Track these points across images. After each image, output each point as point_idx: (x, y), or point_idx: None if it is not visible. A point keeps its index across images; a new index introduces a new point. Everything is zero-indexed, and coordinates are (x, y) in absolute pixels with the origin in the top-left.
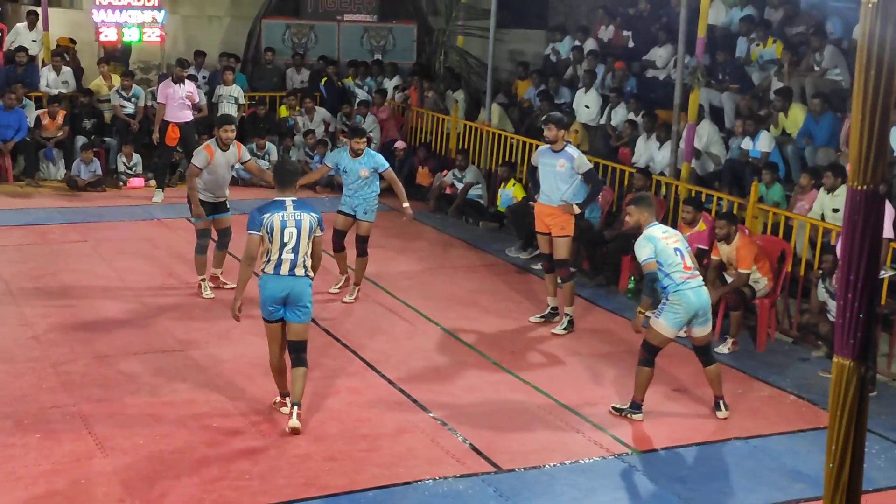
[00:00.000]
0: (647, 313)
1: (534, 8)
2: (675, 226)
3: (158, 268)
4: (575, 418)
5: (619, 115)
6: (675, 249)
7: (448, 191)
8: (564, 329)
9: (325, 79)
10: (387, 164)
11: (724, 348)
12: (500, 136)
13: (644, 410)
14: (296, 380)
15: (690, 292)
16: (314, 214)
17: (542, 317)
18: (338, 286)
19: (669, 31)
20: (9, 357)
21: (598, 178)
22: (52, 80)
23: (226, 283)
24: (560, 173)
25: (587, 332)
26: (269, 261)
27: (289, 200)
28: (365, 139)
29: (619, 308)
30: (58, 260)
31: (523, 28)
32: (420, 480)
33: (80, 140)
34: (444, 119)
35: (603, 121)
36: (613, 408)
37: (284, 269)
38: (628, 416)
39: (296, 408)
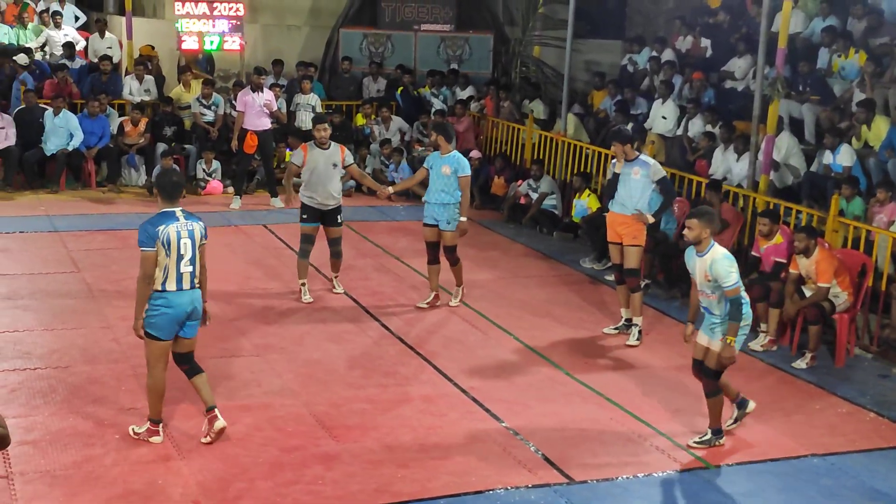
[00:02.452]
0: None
1: (611, 18)
2: (752, 239)
3: (235, 274)
4: (648, 430)
5: (697, 126)
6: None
7: (522, 201)
8: (637, 340)
9: (402, 88)
10: (468, 171)
11: (802, 363)
12: (575, 146)
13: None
14: (203, 386)
15: (751, 313)
16: (201, 223)
17: (615, 328)
18: (426, 301)
19: (749, 42)
20: (90, 358)
21: (672, 186)
22: (134, 89)
23: (336, 288)
24: (635, 181)
25: (661, 344)
26: (167, 277)
27: (178, 211)
28: (445, 136)
29: None
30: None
31: (599, 38)
32: (491, 490)
33: (161, 147)
34: (519, 129)
35: (680, 132)
36: (695, 443)
37: (186, 283)
38: (715, 444)
39: (216, 410)
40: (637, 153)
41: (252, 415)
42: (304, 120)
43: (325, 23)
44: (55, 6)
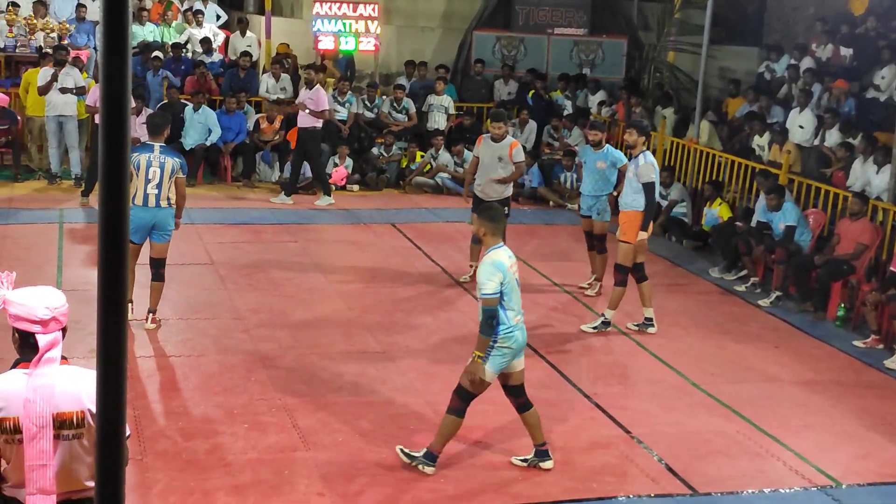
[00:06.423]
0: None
1: (748, 25)
2: (891, 253)
3: (363, 271)
4: (776, 446)
5: (834, 136)
6: (517, 282)
7: None
8: (594, 328)
9: (533, 91)
10: (625, 160)
11: None
12: (707, 154)
13: (852, 442)
14: (154, 291)
15: (519, 332)
16: (177, 160)
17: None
18: (587, 283)
19: (894, 51)
20: (222, 348)
21: (653, 195)
22: (271, 86)
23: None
24: (628, 178)
25: (791, 357)
26: (136, 194)
27: (157, 145)
28: (598, 132)
29: (825, 335)
30: (269, 258)
31: (735, 45)
32: (613, 497)
33: None
34: (651, 135)
35: (817, 142)
36: (402, 450)
37: (151, 202)
38: (420, 468)
39: (151, 314)
40: (641, 150)
41: (376, 411)
42: (438, 121)
43: (458, 25)
44: (198, 5)
